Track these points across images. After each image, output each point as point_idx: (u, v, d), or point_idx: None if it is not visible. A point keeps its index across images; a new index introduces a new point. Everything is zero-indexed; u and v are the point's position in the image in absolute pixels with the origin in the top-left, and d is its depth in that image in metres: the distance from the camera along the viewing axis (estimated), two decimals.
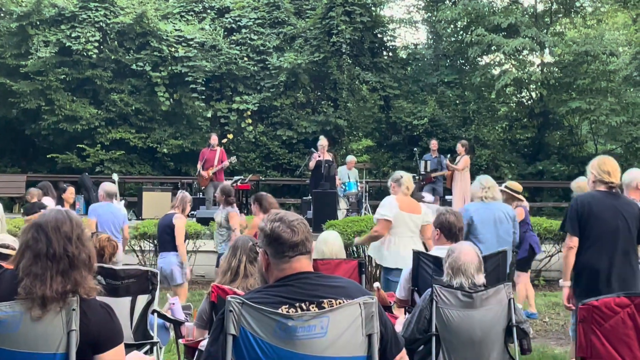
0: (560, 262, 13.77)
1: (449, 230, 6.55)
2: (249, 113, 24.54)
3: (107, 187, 11.08)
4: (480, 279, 5.31)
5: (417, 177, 18.53)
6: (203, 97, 24.05)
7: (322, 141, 17.52)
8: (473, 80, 26.02)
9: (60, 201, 11.24)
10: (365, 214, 17.39)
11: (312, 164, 17.23)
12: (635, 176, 7.32)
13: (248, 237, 5.62)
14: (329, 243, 7.22)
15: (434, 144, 18.78)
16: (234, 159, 18.65)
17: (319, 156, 17.03)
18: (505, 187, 10.20)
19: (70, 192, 11.56)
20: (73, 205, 14.80)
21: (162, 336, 6.68)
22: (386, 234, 8.20)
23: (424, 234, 8.30)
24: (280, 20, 26.24)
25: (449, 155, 18.73)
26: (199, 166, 17.67)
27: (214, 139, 17.82)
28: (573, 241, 6.26)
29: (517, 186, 10.33)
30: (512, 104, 29.08)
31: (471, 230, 7.96)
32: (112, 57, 23.60)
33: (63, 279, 3.23)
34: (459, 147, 17.63)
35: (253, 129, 24.81)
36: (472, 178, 18.89)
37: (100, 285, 3.47)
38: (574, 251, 6.24)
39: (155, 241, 13.04)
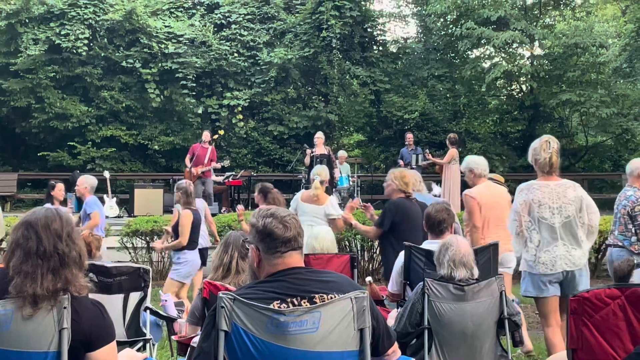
0: None
1: (426, 223, 6.61)
2: (239, 109, 24.51)
3: (91, 180, 11.07)
4: (476, 271, 5.35)
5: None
6: (193, 93, 24.02)
7: (317, 135, 17.55)
8: (463, 74, 26.05)
9: (49, 198, 11.21)
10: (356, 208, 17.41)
11: (307, 160, 17.26)
12: (637, 165, 8.01)
13: (240, 233, 5.59)
14: (319, 238, 7.23)
15: (409, 137, 18.92)
16: (226, 162, 18.62)
17: (313, 151, 17.03)
18: (490, 179, 10.26)
19: (59, 189, 11.52)
20: (65, 203, 14.76)
21: (155, 333, 6.68)
22: None
23: (333, 227, 9.13)
24: (270, 15, 26.22)
25: (427, 149, 18.90)
26: (187, 161, 17.62)
27: (206, 135, 17.76)
28: (379, 232, 7.97)
29: (500, 178, 10.42)
30: (502, 97, 29.14)
31: None
32: (102, 54, 23.53)
33: (54, 277, 3.23)
34: (447, 141, 17.84)
35: (244, 125, 24.78)
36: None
37: (92, 282, 3.47)
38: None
39: (147, 238, 13.06)
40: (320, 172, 9.63)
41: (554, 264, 6.17)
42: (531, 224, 6.26)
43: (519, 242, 6.36)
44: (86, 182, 10.99)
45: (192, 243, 9.86)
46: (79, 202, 19.40)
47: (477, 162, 8.11)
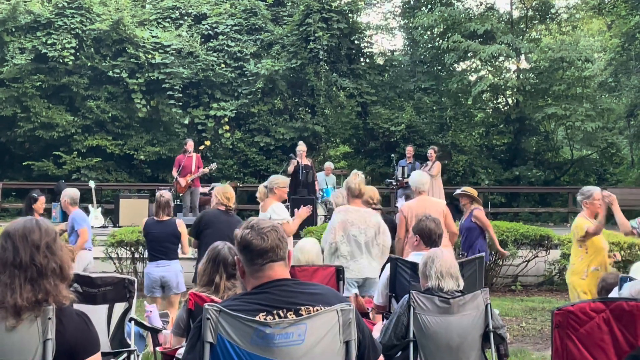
0: (537, 267, 13.95)
1: (428, 237, 6.58)
2: (226, 120, 24.49)
3: (71, 193, 10.60)
4: (462, 281, 5.36)
5: (393, 183, 18.63)
6: (180, 103, 23.97)
7: (301, 147, 17.45)
8: (450, 87, 26.14)
9: (30, 211, 10.92)
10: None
11: (290, 169, 17.17)
12: None
13: (228, 248, 5.50)
14: (305, 251, 7.23)
15: (409, 150, 18.87)
16: (214, 165, 18.52)
17: (298, 161, 16.99)
18: (463, 191, 10.53)
19: (41, 203, 11.24)
20: (49, 214, 14.68)
21: (138, 344, 6.64)
22: None
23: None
24: (257, 26, 26.24)
25: (422, 163, 18.85)
26: (174, 173, 17.52)
27: (190, 145, 17.61)
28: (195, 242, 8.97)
29: (473, 191, 10.69)
30: (488, 110, 29.24)
31: None
32: (89, 64, 23.48)
33: (33, 287, 3.20)
34: (431, 153, 17.76)
35: (230, 136, 24.75)
36: (445, 184, 19.10)
37: (76, 293, 3.44)
38: None
39: (132, 248, 12.99)
40: (272, 178, 9.73)
41: (359, 272, 7.95)
42: (342, 238, 7.98)
43: (328, 250, 8.03)
44: (65, 195, 10.56)
45: (149, 255, 9.80)
46: (63, 213, 19.44)
47: (415, 180, 9.03)
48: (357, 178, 8.30)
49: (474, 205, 10.45)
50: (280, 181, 9.56)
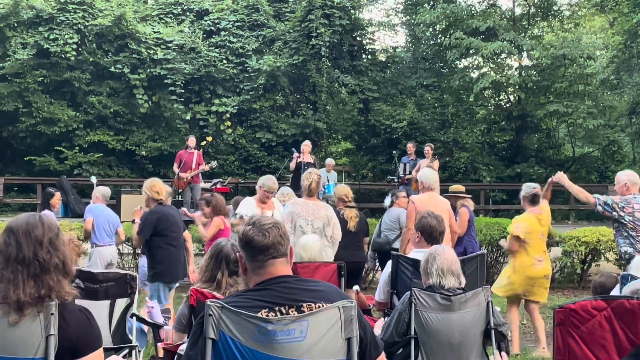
0: None
1: (429, 234, 6.58)
2: (228, 116, 24.49)
3: (102, 190, 11.54)
4: (463, 279, 5.36)
5: (395, 180, 18.64)
6: (182, 99, 23.98)
7: (305, 143, 17.48)
8: (452, 84, 26.11)
9: (47, 205, 11.18)
10: None
11: (292, 165, 17.20)
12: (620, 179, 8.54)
13: (230, 245, 5.49)
14: (307, 248, 7.24)
15: (410, 146, 18.84)
16: (214, 163, 18.51)
17: (300, 157, 16.97)
18: (450, 192, 10.70)
19: (57, 198, 11.53)
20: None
21: (140, 340, 6.65)
22: None
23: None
24: (259, 22, 26.23)
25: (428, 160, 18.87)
26: (175, 169, 17.52)
27: (191, 140, 17.61)
28: (142, 240, 8.92)
29: (460, 187, 10.78)
30: (490, 107, 29.21)
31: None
32: (91, 59, 23.47)
33: (36, 283, 3.20)
34: (428, 150, 17.70)
35: (232, 132, 24.76)
36: (446, 181, 19.07)
37: (78, 288, 3.45)
38: None
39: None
40: (262, 177, 9.73)
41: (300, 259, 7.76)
42: (291, 229, 8.23)
43: None
44: (97, 192, 11.54)
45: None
46: (65, 207, 19.48)
47: (427, 176, 9.08)
48: (310, 177, 8.68)
49: (461, 202, 10.54)
50: (264, 183, 9.42)
